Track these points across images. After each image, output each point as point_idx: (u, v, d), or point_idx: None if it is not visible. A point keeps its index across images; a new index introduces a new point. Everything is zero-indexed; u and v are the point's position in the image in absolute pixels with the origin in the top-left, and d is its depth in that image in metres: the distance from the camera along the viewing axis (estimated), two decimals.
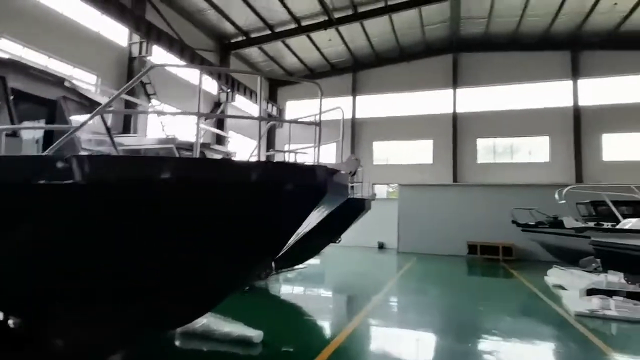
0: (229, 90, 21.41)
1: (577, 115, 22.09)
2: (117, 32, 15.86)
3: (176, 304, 3.86)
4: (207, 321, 5.03)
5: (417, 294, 8.97)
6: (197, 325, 4.87)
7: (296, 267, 11.17)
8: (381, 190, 25.14)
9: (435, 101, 24.78)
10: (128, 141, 10.50)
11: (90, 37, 14.75)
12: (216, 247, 3.34)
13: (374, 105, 26.15)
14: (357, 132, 25.97)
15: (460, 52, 24.23)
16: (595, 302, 7.21)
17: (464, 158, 23.63)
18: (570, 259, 11.57)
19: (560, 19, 20.16)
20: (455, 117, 23.91)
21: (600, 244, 5.21)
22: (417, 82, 25.02)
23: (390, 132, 25.27)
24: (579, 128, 21.97)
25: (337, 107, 4.38)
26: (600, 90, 22.18)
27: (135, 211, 3.08)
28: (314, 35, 21.82)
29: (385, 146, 25.68)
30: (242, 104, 23.95)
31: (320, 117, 3.82)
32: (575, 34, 21.43)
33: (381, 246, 20.13)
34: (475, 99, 24.09)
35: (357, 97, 26.33)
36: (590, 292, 7.87)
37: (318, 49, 23.48)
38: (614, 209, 5.86)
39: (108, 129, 6.11)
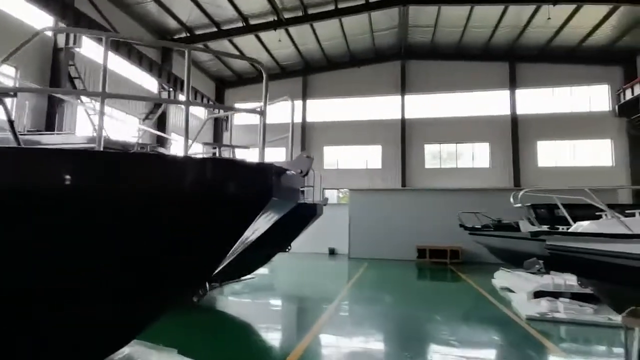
0: (171, 89, 20.08)
1: (515, 123, 23.39)
2: (41, 21, 14.11)
3: (87, 333, 3.06)
4: (131, 351, 4.22)
5: (369, 303, 8.63)
6: (116, 357, 4.04)
7: (243, 278, 10.42)
8: (331, 196, 24.92)
9: (385, 107, 25.10)
10: (49, 139, 9.17)
11: (9, 24, 12.97)
12: (132, 261, 2.63)
13: (324, 109, 25.96)
14: (307, 136, 25.60)
15: (408, 59, 24.78)
16: (544, 305, 7.26)
17: (412, 163, 24.09)
18: (515, 261, 11.90)
19: (499, 31, 21.25)
20: (403, 123, 24.34)
21: (556, 247, 5.11)
22: (367, 88, 25.22)
23: (340, 136, 25.19)
24: (517, 135, 23.26)
25: (285, 97, 3.83)
26: (534, 100, 23.70)
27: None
28: (263, 35, 21.18)
29: (336, 151, 25.55)
30: None
31: (265, 105, 3.25)
32: (512, 46, 22.73)
33: (332, 252, 19.80)
34: (422, 105, 24.72)
35: (308, 101, 26.00)
36: (538, 294, 7.97)
37: (267, 50, 22.85)
38: (564, 212, 5.85)
39: (10, 121, 5.09)
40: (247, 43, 21.85)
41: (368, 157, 25.04)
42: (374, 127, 24.89)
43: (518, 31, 21.15)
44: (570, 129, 22.79)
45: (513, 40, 22.15)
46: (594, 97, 23.11)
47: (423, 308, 8.08)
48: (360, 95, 25.44)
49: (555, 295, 7.74)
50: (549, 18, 18.95)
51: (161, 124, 20.22)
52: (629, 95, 21.41)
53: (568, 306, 6.87)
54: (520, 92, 23.71)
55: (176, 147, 20.73)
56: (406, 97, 24.63)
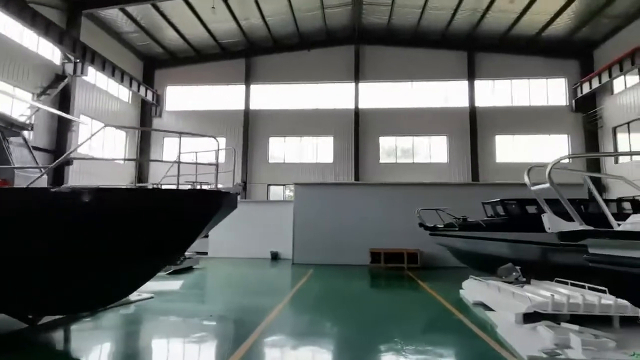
0: (77, 60, 16.41)
1: (473, 116, 22.02)
2: None
3: None
4: None
5: (309, 326, 6.12)
6: None
7: (135, 299, 7.50)
8: (277, 192, 22.25)
9: (337, 95, 22.84)
10: None
11: None
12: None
13: (270, 96, 23.22)
14: (251, 125, 22.73)
15: (363, 43, 22.70)
16: (545, 336, 5.07)
17: (367, 157, 22.01)
18: (485, 266, 9.90)
19: (459, 14, 19.65)
20: (357, 113, 22.20)
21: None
22: (318, 73, 22.82)
23: (288, 127, 22.58)
24: (475, 129, 21.89)
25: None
26: (493, 93, 22.49)
27: None
28: (196, 4, 18.06)
29: (283, 143, 22.90)
30: (99, 80, 18.92)
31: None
32: (472, 34, 21.31)
33: (275, 257, 17.11)
34: (378, 95, 22.72)
35: (252, 86, 23.12)
36: (529, 316, 5.82)
37: (203, 23, 19.73)
38: (546, 208, 3.59)
39: None
40: (177, 11, 18.60)
41: (318, 150, 22.63)
42: (325, 117, 22.54)
43: (479, 15, 19.68)
44: (528, 124, 21.78)
45: (473, 26, 20.70)
46: (552, 91, 22.29)
47: (374, 341, 5.64)
48: (310, 81, 22.98)
49: (552, 317, 5.64)
50: (511, 1, 17.53)
51: (65, 101, 16.45)
52: (585, 89, 20.69)
53: (583, 338, 4.70)
54: (479, 84, 22.40)
55: (86, 130, 17.11)
56: (360, 85, 22.52)
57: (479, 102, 22.16)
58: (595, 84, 19.86)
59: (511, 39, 21.25)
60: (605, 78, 19.12)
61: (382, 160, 22.19)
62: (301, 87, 23.09)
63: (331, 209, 15.38)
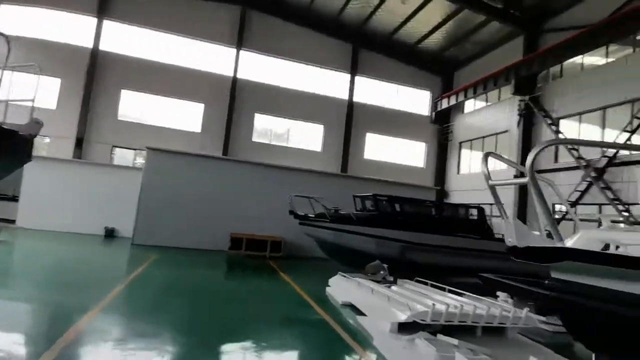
0: None
1: (351, 109, 22.25)
2: None
3: None
4: None
5: (134, 340, 4.28)
6: None
7: None
8: (126, 157, 18.63)
9: (215, 57, 20.24)
10: None
11: None
12: None
13: (133, 38, 19.18)
14: (98, 70, 18.36)
15: (251, 8, 20.58)
16: (428, 352, 4.42)
17: (239, 132, 20.13)
18: (353, 262, 9.42)
19: (352, 4, 19.40)
20: (234, 81, 20.07)
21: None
22: (197, 28, 19.79)
23: (148, 81, 18.99)
24: (351, 123, 22.17)
25: None
26: (371, 91, 23.10)
27: None
28: None
29: (139, 99, 19.20)
30: None
31: None
32: (361, 29, 21.40)
33: (110, 234, 13.98)
34: (259, 67, 20.97)
35: (107, 21, 18.70)
36: (406, 326, 5.20)
37: None
38: (504, 213, 2.90)
39: None
40: None
41: (186, 115, 19.72)
42: (198, 79, 19.75)
43: (369, 10, 19.76)
44: (396, 127, 23.10)
45: (362, 21, 20.76)
46: (419, 101, 24.10)
47: (217, 349, 4.20)
48: (185, 34, 19.79)
49: (427, 327, 5.11)
50: (403, 2, 17.96)
51: None
52: (444, 105, 22.90)
53: (469, 357, 4.16)
54: (360, 80, 22.73)
55: None
56: (242, 52, 20.42)
57: (358, 98, 22.52)
58: (453, 101, 22.12)
59: (394, 43, 22.08)
60: (460, 98, 21.42)
61: (255, 139, 20.63)
62: (174, 38, 19.70)
63: (190, 183, 13.19)
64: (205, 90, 19.71)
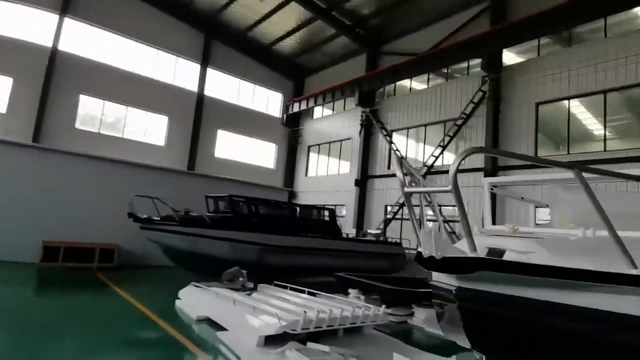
0: None
1: (200, 103, 20.80)
2: None
3: None
4: None
5: None
6: None
7: None
8: None
9: (30, 23, 15.99)
10: None
11: None
12: None
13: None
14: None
15: None
16: None
17: (59, 117, 16.41)
18: (208, 269, 8.54)
19: None
20: (54, 52, 16.28)
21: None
22: None
23: None
24: (200, 117, 20.72)
25: None
26: (223, 86, 22.09)
27: None
28: None
29: None
30: None
31: None
32: (214, 18, 20.24)
33: None
34: (90, 39, 17.56)
35: (66, 20, 12.70)
36: (272, 338, 4.86)
37: None
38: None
39: None
40: None
41: None
42: (6, 47, 15.25)
43: (225, 1, 18.83)
44: (249, 126, 22.70)
45: (216, 10, 19.65)
46: (271, 102, 24.26)
47: None
48: None
49: (295, 336, 4.90)
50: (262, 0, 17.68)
51: None
52: (295, 108, 23.67)
53: None
54: (211, 72, 21.45)
55: None
56: (67, 19, 16.72)
57: (209, 91, 21.21)
58: (303, 106, 23.04)
59: (250, 40, 21.64)
60: (310, 103, 22.48)
61: (79, 126, 17.16)
62: None
63: None
64: (15, 60, 15.34)
